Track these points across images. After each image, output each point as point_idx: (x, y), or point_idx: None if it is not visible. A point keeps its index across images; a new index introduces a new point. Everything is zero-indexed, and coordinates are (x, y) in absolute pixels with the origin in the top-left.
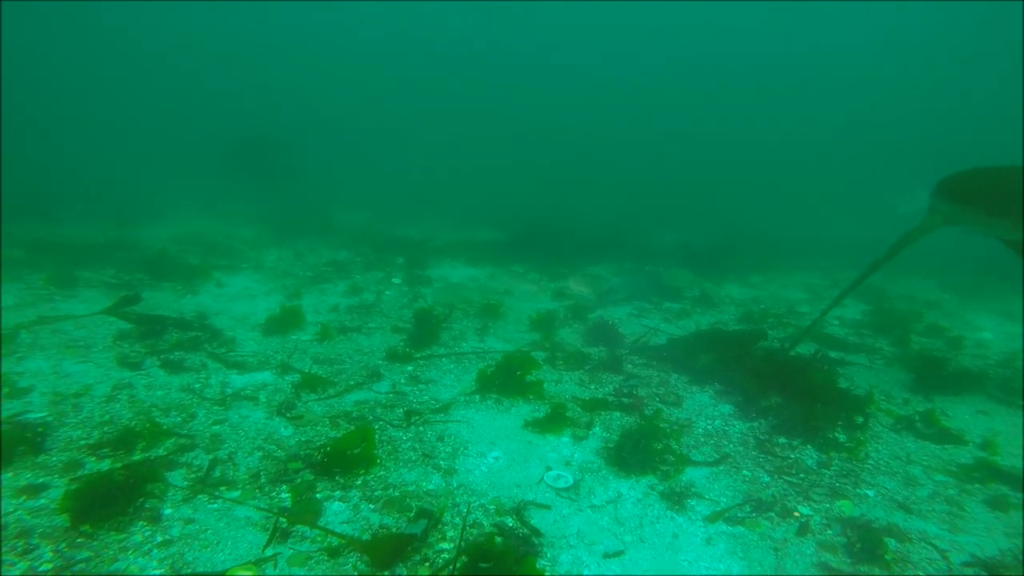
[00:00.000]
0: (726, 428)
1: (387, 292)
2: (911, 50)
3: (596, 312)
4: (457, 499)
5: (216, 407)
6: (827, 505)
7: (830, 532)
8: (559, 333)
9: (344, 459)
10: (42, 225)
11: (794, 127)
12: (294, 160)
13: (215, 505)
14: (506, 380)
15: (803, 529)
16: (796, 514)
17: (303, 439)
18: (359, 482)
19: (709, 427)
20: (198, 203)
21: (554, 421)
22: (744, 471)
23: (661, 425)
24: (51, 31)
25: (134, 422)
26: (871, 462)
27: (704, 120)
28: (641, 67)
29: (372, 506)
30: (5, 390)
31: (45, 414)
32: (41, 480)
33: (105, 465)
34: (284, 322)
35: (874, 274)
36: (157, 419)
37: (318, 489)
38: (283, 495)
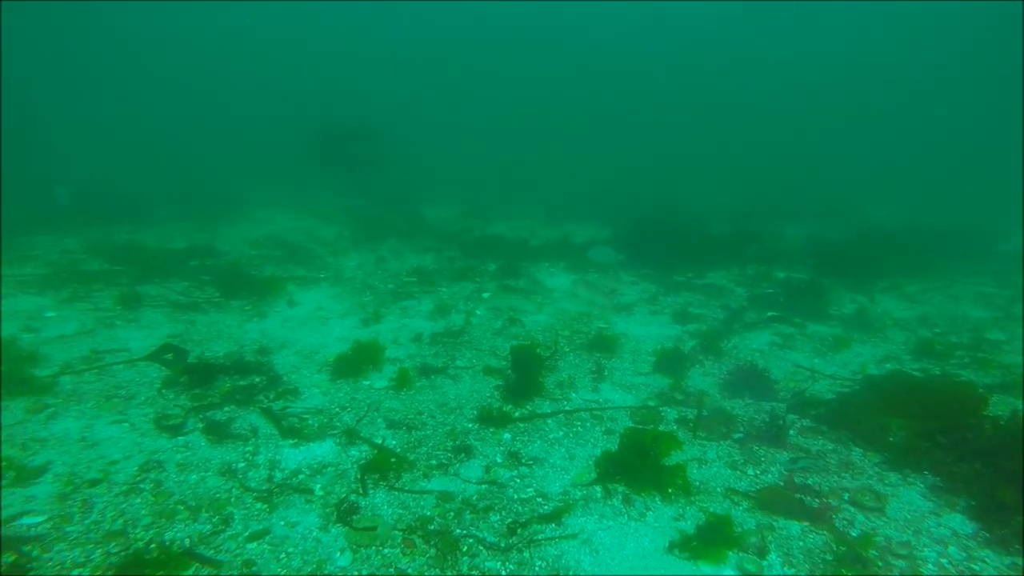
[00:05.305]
0: (972, 566)
1: (478, 311)
2: None
3: (730, 340)
4: None
5: (259, 504)
6: None
7: None
8: (690, 375)
9: None
10: (129, 228)
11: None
12: (383, 149)
13: None
14: (635, 463)
15: None
16: None
17: (364, 574)
18: None
19: (944, 562)
20: (284, 198)
21: (711, 540)
22: None
23: (870, 553)
24: (144, 29)
25: (151, 531)
26: None
27: (812, 102)
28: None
29: None
30: (11, 475)
31: (44, 519)
32: None
33: None
34: (357, 362)
35: None
36: (179, 526)
37: None
38: None
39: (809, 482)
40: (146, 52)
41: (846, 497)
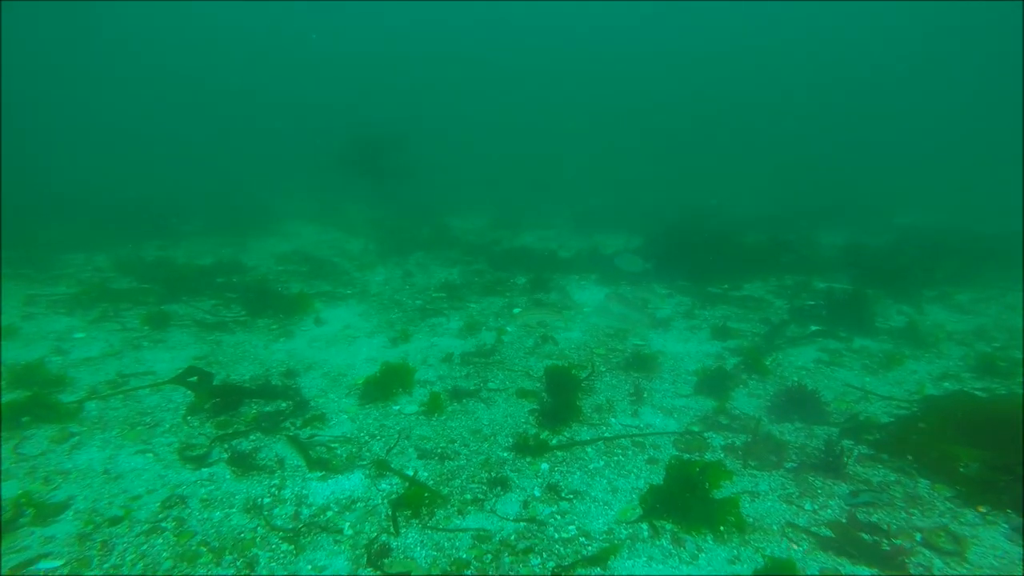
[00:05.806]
0: None
1: (509, 328)
2: None
3: (773, 357)
4: None
5: (285, 546)
6: None
7: None
8: (734, 397)
9: None
10: (157, 243)
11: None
12: (408, 159)
13: None
14: (684, 497)
15: None
16: None
17: None
18: None
19: None
20: (309, 209)
21: None
22: None
23: None
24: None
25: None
26: None
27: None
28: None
29: None
30: (30, 512)
31: (62, 563)
32: None
33: None
34: (386, 385)
35: None
36: (201, 571)
37: None
38: None
39: (874, 519)
40: (163, 60)
41: (918, 538)
